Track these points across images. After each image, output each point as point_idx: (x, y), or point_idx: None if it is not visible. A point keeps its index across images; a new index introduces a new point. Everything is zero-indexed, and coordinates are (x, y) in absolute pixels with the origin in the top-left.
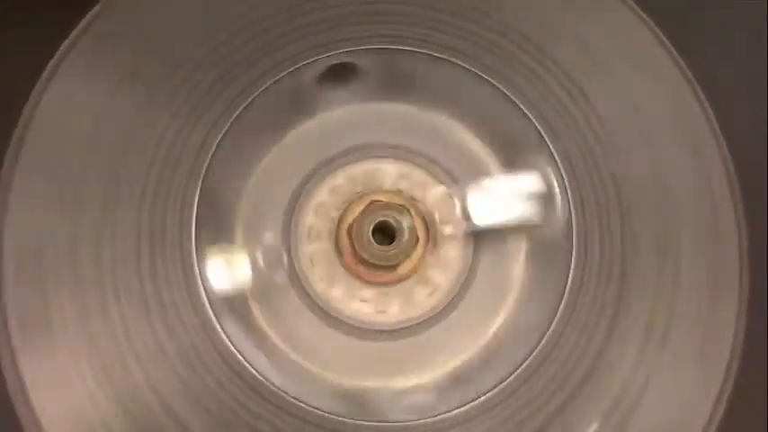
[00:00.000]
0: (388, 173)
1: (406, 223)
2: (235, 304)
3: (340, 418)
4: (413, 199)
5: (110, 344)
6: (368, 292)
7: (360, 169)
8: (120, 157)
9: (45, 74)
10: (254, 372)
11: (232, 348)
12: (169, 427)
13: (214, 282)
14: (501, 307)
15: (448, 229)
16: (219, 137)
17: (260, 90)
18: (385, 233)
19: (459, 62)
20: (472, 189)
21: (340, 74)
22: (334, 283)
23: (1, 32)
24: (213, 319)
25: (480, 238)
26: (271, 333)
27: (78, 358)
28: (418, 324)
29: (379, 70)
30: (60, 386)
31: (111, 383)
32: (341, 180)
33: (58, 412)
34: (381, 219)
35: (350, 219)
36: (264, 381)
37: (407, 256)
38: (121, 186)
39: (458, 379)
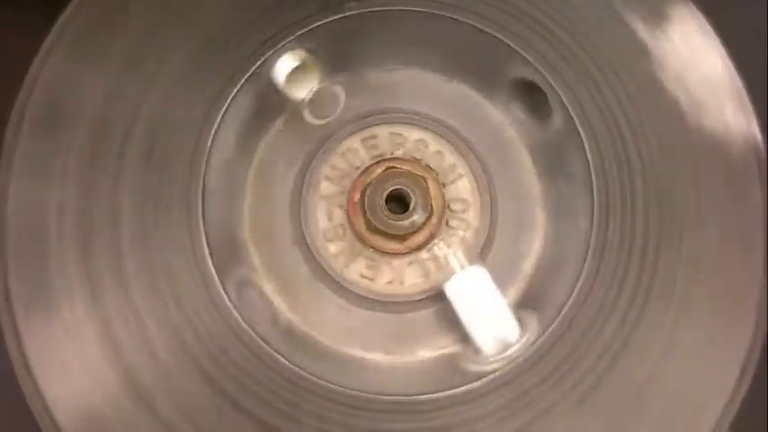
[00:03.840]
0: (407, 139)
1: (420, 192)
2: (248, 287)
3: (378, 396)
4: (429, 167)
5: (117, 320)
6: (384, 263)
7: (377, 133)
8: (123, 129)
9: (43, 48)
10: (271, 350)
11: (245, 326)
12: (177, 401)
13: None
14: (525, 265)
15: (463, 196)
16: (227, 103)
17: (269, 53)
18: (399, 202)
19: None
20: None
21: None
22: (349, 257)
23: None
24: (227, 300)
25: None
26: (284, 308)
27: (84, 335)
28: (437, 294)
29: (403, 35)
30: (66, 363)
31: (118, 360)
32: (356, 143)
33: (63, 390)
34: (395, 187)
35: (363, 186)
36: (287, 362)
37: (423, 224)
38: (125, 160)
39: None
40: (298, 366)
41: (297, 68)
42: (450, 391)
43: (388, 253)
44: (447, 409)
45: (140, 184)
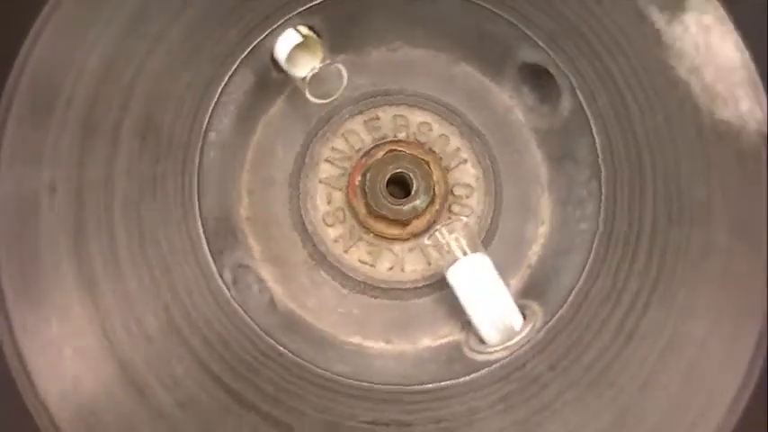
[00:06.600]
0: (411, 121)
1: (422, 176)
2: (245, 271)
3: (377, 386)
4: (432, 151)
5: (111, 307)
6: (385, 249)
7: (379, 115)
8: (118, 105)
9: (39, 19)
10: (267, 337)
11: (241, 312)
12: (172, 392)
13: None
14: (529, 252)
15: (467, 181)
16: (226, 79)
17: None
18: (401, 186)
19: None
20: None
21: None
22: (349, 242)
23: None
24: (223, 286)
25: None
26: (281, 294)
27: (77, 322)
28: (439, 281)
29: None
30: (59, 351)
31: (112, 347)
32: (358, 125)
33: (56, 381)
34: (397, 171)
35: (364, 169)
36: (284, 349)
37: (424, 209)
38: (122, 140)
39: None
40: (294, 353)
41: (299, 46)
42: (452, 381)
43: (388, 238)
44: (450, 399)
45: (135, 165)
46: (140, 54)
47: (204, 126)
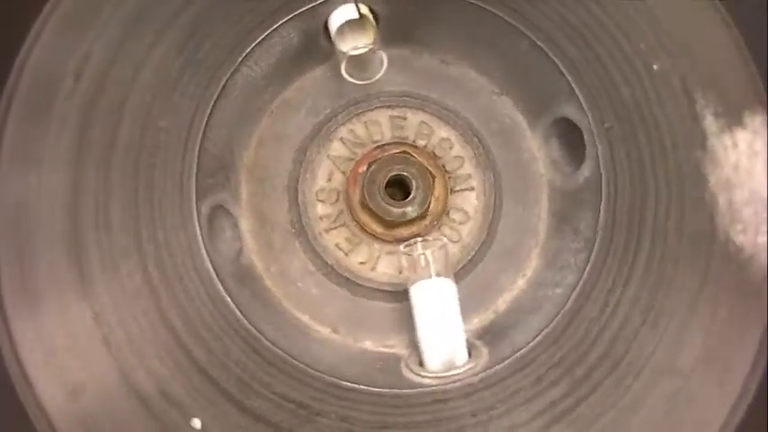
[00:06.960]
0: (434, 133)
1: (424, 187)
2: (224, 215)
3: (306, 368)
4: (443, 168)
5: (110, 309)
6: (364, 243)
7: (408, 116)
8: (116, 106)
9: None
10: (257, 333)
11: (235, 309)
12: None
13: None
14: (499, 299)
15: (466, 208)
16: (268, 31)
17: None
18: (402, 189)
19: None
20: None
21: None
22: (332, 223)
23: None
24: (218, 284)
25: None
26: (277, 293)
27: (76, 326)
28: (403, 292)
29: (473, 32)
30: (58, 356)
31: (111, 351)
32: (384, 118)
33: (55, 386)
34: (401, 173)
35: (372, 161)
36: (272, 345)
37: (414, 219)
38: (119, 140)
39: (487, 336)
40: (236, 304)
41: (355, 22)
42: (374, 389)
43: (371, 234)
44: (364, 404)
45: (132, 167)
46: (141, 52)
47: (238, 61)
